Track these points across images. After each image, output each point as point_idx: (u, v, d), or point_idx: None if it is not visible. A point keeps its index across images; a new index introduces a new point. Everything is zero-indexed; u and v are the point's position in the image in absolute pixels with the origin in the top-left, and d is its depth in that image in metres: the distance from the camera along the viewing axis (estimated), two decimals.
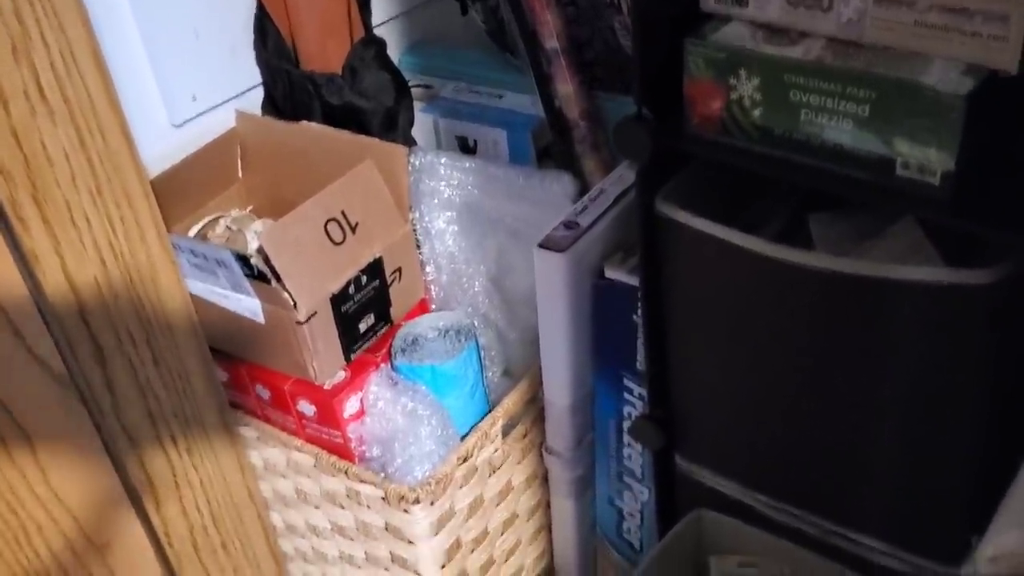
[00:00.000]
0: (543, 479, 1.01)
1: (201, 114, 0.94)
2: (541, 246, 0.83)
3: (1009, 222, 0.59)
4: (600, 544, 1.04)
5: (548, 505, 1.04)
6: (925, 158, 0.61)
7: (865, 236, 0.74)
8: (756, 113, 0.67)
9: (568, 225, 0.85)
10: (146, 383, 0.65)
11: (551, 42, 0.96)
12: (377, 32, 1.04)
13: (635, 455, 0.93)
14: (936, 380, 0.67)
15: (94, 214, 0.58)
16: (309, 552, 1.01)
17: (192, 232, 0.95)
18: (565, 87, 0.98)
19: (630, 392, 0.90)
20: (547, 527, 1.06)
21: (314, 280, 0.82)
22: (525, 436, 0.96)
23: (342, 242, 0.84)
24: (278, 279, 0.79)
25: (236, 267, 0.79)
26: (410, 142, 1.01)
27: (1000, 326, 0.63)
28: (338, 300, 0.84)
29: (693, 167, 0.77)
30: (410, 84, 1.07)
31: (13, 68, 0.51)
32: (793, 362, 0.73)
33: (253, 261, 0.77)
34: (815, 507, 0.79)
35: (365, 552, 0.93)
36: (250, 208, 1.01)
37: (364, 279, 0.86)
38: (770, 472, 0.81)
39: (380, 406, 0.85)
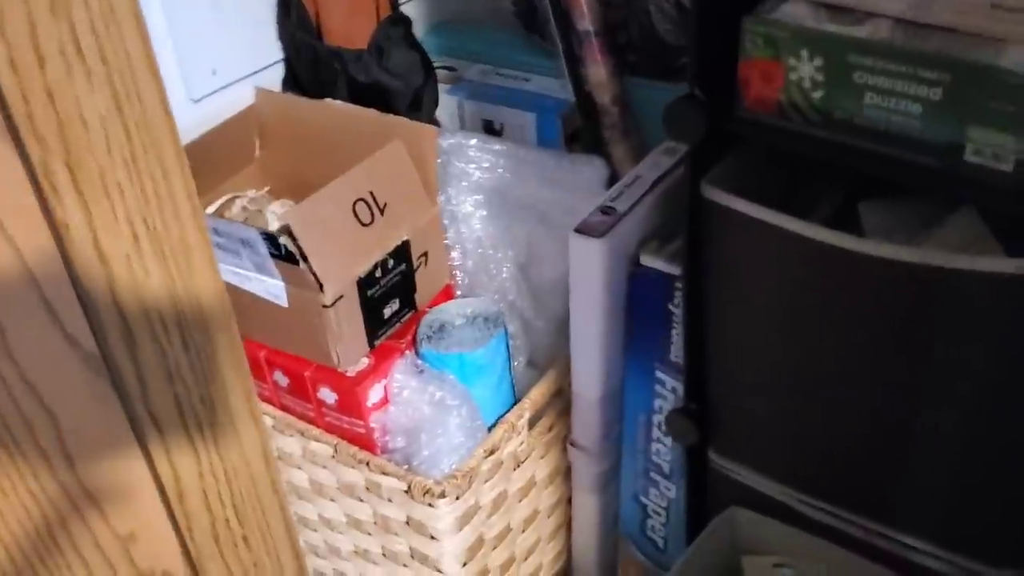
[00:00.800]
0: (565, 474, 0.98)
1: (220, 89, 0.91)
2: (577, 231, 0.80)
3: None
4: (622, 542, 1.01)
5: (568, 502, 1.01)
6: (999, 144, 0.58)
7: (918, 225, 0.72)
8: (816, 95, 0.64)
9: (605, 211, 0.82)
10: (175, 368, 0.61)
11: (583, 23, 0.93)
12: (401, 11, 1.00)
13: (664, 450, 0.91)
14: (994, 375, 0.64)
15: (128, 185, 0.55)
16: (321, 547, 0.98)
17: (208, 212, 0.91)
18: (597, 71, 0.95)
19: (662, 385, 0.87)
20: (566, 525, 1.03)
21: (341, 262, 0.79)
22: (551, 429, 0.93)
23: (370, 223, 0.81)
24: (305, 260, 0.76)
25: (262, 246, 0.76)
26: (435, 124, 0.98)
27: None
28: (364, 284, 0.81)
29: (737, 153, 0.75)
30: (435, 65, 1.04)
31: (51, 24, 0.48)
32: (842, 354, 0.70)
33: (281, 240, 0.74)
34: (857, 506, 0.76)
35: (383, 547, 0.90)
36: (267, 189, 0.97)
37: (391, 263, 0.83)
38: (810, 469, 0.78)
39: (405, 395, 0.82)
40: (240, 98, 0.93)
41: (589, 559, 1.03)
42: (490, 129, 1.02)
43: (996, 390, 0.64)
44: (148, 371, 0.60)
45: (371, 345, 0.84)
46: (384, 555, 0.91)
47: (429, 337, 0.85)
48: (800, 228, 0.67)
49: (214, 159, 0.92)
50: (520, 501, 0.92)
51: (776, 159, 0.74)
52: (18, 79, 0.48)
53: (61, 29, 0.48)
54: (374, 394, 0.83)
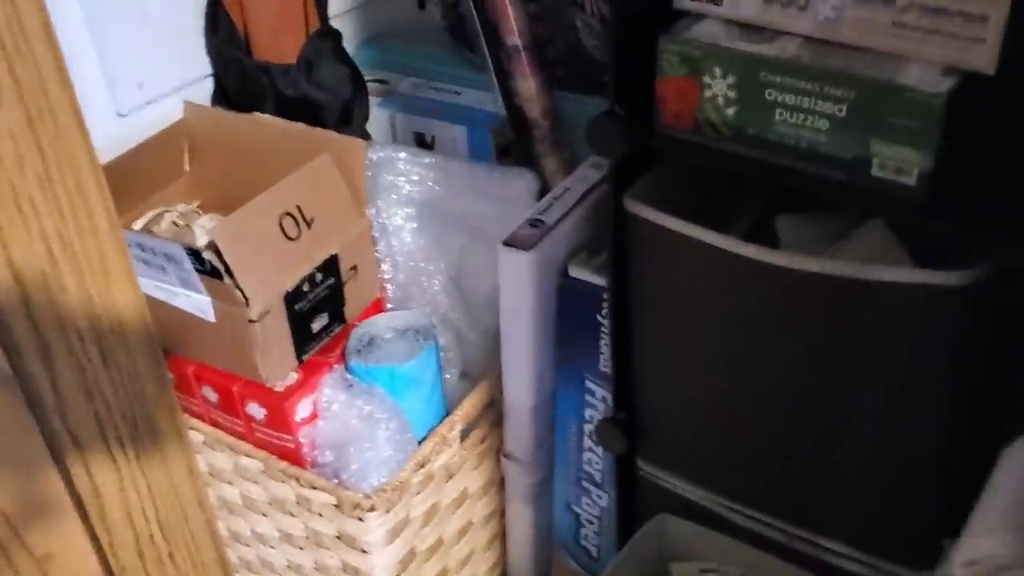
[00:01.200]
0: (499, 485, 0.99)
1: (148, 103, 0.90)
2: (506, 244, 0.81)
3: (984, 224, 0.60)
4: (556, 551, 1.02)
5: (503, 513, 1.01)
6: (902, 158, 0.61)
7: (832, 238, 0.74)
8: (730, 112, 0.66)
9: (533, 223, 0.83)
10: (94, 383, 0.61)
11: (512, 39, 0.94)
12: (331, 25, 1.01)
13: (595, 459, 0.92)
14: (906, 382, 0.66)
15: (42, 201, 0.54)
16: (255, 561, 0.97)
17: (136, 227, 0.91)
18: (526, 85, 0.96)
19: (592, 395, 0.88)
20: (501, 536, 1.04)
21: (267, 277, 0.79)
22: (483, 441, 0.94)
23: (297, 237, 0.81)
24: (230, 275, 0.75)
25: (187, 262, 0.75)
26: (365, 137, 0.99)
27: (972, 329, 0.63)
28: (292, 298, 0.81)
29: (661, 167, 0.76)
30: (367, 78, 1.04)
31: None
32: (761, 364, 0.72)
33: (205, 256, 0.74)
34: (781, 511, 0.78)
35: (315, 561, 0.90)
36: (197, 203, 0.97)
37: (319, 276, 0.83)
38: (735, 476, 0.80)
39: (334, 409, 0.82)
40: (169, 112, 0.92)
41: (524, 569, 1.04)
42: (422, 142, 1.03)
43: (904, 396, 0.66)
44: (66, 387, 0.60)
45: (300, 359, 0.84)
46: (316, 569, 0.91)
47: (359, 351, 0.85)
48: (718, 241, 0.69)
49: (142, 173, 0.91)
50: (453, 513, 0.93)
51: (698, 174, 0.76)
52: None
53: None
54: (303, 409, 0.83)
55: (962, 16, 0.58)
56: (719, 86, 0.66)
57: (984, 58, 0.58)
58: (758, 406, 0.74)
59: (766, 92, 0.64)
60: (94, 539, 0.65)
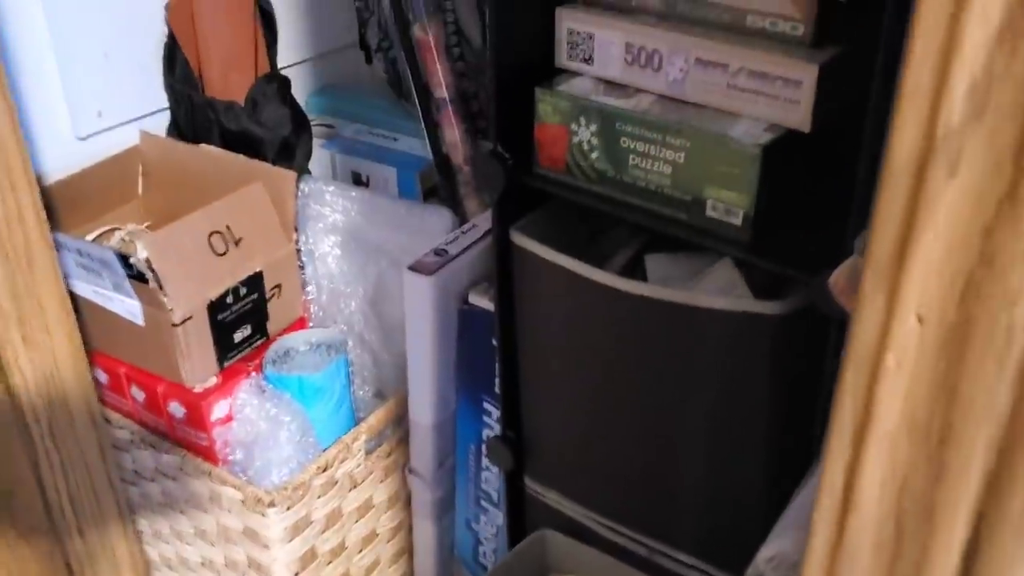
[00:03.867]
0: (406, 502, 1.06)
1: (106, 130, 1.00)
2: (410, 268, 0.89)
3: (796, 260, 0.68)
4: (457, 568, 1.08)
5: (410, 529, 1.08)
6: (730, 201, 0.69)
7: (691, 276, 0.83)
8: (593, 156, 0.75)
9: (438, 252, 0.92)
10: (13, 361, 0.69)
11: (440, 92, 1.04)
12: (288, 73, 1.11)
13: (492, 478, 0.99)
14: (733, 403, 0.74)
15: None
16: (173, 558, 1.04)
17: (88, 239, 0.99)
18: (452, 134, 1.06)
19: (489, 415, 0.96)
20: (409, 551, 1.10)
21: (192, 286, 0.87)
22: (390, 455, 1.01)
23: (224, 253, 0.90)
24: (157, 281, 0.84)
25: (118, 266, 0.84)
26: (306, 172, 1.08)
27: (787, 355, 0.71)
28: (215, 308, 0.89)
29: (551, 204, 0.85)
30: (314, 123, 1.15)
31: None
32: (619, 385, 0.80)
33: (132, 260, 0.82)
34: (642, 526, 0.85)
35: (225, 557, 0.97)
36: (147, 224, 1.06)
37: (243, 291, 0.92)
38: (603, 492, 0.87)
39: (246, 412, 0.90)
40: (125, 140, 1.02)
41: None
42: (358, 180, 1.13)
43: (731, 416, 0.74)
44: None
45: (221, 366, 0.92)
46: (226, 565, 0.97)
47: (274, 361, 0.93)
48: (587, 272, 0.77)
49: (97, 192, 1.01)
50: (356, 521, 1.00)
51: (583, 213, 0.85)
52: None
53: None
54: (219, 410, 0.91)
55: (782, 80, 0.67)
56: (584, 133, 0.75)
57: (799, 116, 0.67)
58: (618, 426, 0.82)
59: (621, 140, 0.73)
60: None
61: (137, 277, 0.84)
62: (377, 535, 1.04)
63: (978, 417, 0.23)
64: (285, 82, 1.05)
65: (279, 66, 1.09)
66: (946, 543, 0.25)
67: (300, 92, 1.15)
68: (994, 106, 0.20)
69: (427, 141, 1.06)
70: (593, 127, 0.74)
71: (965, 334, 0.22)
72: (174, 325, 0.86)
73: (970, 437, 0.23)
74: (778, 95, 0.68)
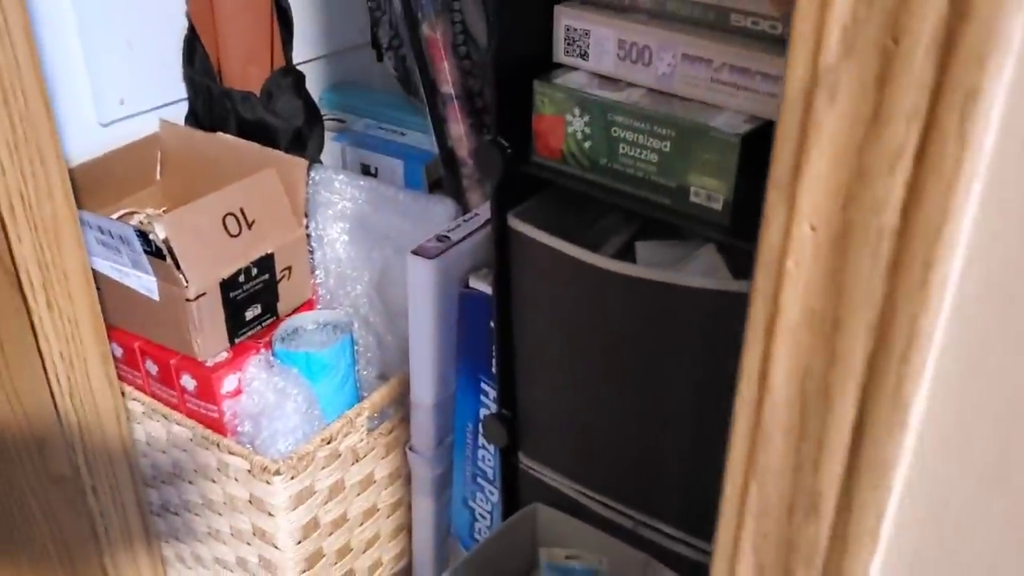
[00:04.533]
0: (406, 479, 1.10)
1: (127, 117, 1.05)
2: (414, 253, 0.94)
3: None
4: (454, 545, 1.12)
5: (410, 506, 1.13)
6: (711, 188, 0.74)
7: (677, 260, 0.87)
8: (587, 145, 0.80)
9: (440, 238, 0.96)
10: (39, 324, 0.74)
11: (447, 88, 1.09)
12: (303, 69, 1.17)
13: (488, 456, 1.03)
14: (714, 376, 0.79)
15: (9, 166, 0.68)
16: (181, 529, 1.09)
17: None
18: (457, 128, 1.11)
19: (486, 395, 1.00)
20: (408, 528, 1.15)
21: (207, 264, 0.92)
22: (391, 433, 1.06)
23: (238, 235, 0.95)
24: (172, 256, 0.89)
25: (136, 243, 0.89)
26: (316, 162, 1.13)
27: None
28: (227, 286, 0.94)
29: (546, 193, 0.90)
30: (326, 117, 1.20)
31: None
32: (611, 363, 0.84)
33: (151, 237, 0.88)
34: (628, 499, 0.89)
35: (231, 526, 1.01)
36: (164, 209, 1.11)
37: (255, 271, 0.97)
38: (593, 468, 0.92)
39: (255, 385, 0.95)
40: (145, 127, 1.07)
41: (427, 561, 1.14)
42: (367, 171, 1.18)
43: (710, 391, 0.79)
44: (6, 323, 0.73)
45: (232, 342, 0.97)
46: (232, 534, 1.02)
47: (283, 338, 0.98)
48: (581, 255, 0.82)
49: (118, 176, 1.06)
50: (359, 495, 1.04)
51: (580, 201, 0.90)
52: None
53: None
54: (228, 383, 0.95)
55: (760, 75, 0.72)
56: (577, 124, 0.80)
57: (777, 109, 0.72)
58: (608, 403, 0.86)
59: (612, 130, 0.78)
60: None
61: (155, 253, 0.89)
62: (378, 510, 1.08)
63: (859, 306, 0.27)
64: (299, 76, 1.10)
65: (294, 62, 1.14)
66: (840, 421, 0.29)
67: (314, 88, 1.20)
68: (860, 45, 0.24)
69: (433, 135, 1.11)
70: (587, 118, 0.79)
71: (847, 238, 0.27)
72: (188, 300, 0.91)
73: (854, 324, 0.27)
74: (758, 89, 0.73)
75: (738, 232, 0.74)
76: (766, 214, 0.29)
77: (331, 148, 1.18)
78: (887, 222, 0.25)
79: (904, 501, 0.30)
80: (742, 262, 0.81)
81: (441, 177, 1.14)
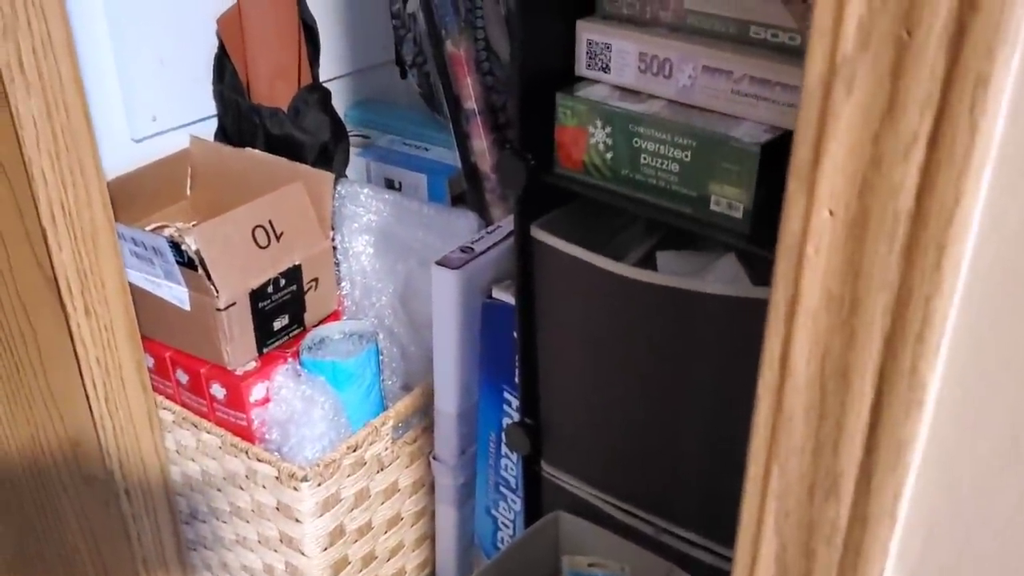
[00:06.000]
0: (429, 488, 1.12)
1: (159, 133, 1.08)
2: (438, 263, 0.96)
3: None
4: (476, 554, 1.14)
5: (433, 516, 1.14)
6: (731, 196, 0.76)
7: (699, 269, 0.89)
8: (609, 156, 0.82)
9: (464, 250, 0.98)
10: (76, 330, 0.76)
11: (470, 104, 1.11)
12: (329, 86, 1.19)
13: (511, 465, 1.05)
14: (735, 383, 0.80)
15: (51, 176, 0.71)
16: (209, 537, 1.10)
17: None
18: (480, 143, 1.13)
19: (509, 405, 1.02)
20: (431, 538, 1.16)
21: (237, 274, 0.94)
22: (415, 442, 1.07)
23: (267, 247, 0.97)
24: (203, 266, 0.91)
25: (169, 253, 0.91)
26: (342, 177, 1.16)
27: None
28: (257, 296, 0.96)
29: (568, 207, 0.92)
30: (351, 133, 1.22)
31: (2, 44, 0.65)
32: (633, 370, 0.86)
33: (183, 247, 0.90)
34: (650, 506, 0.90)
35: (258, 533, 1.03)
36: (193, 223, 1.13)
37: (283, 282, 0.99)
38: (615, 474, 0.93)
39: (283, 394, 0.97)
40: (176, 143, 1.10)
41: (450, 569, 1.15)
42: (391, 186, 1.20)
43: (733, 398, 0.80)
44: (45, 328, 0.75)
45: (260, 351, 0.99)
46: (259, 541, 1.04)
47: (310, 348, 1.00)
48: (603, 263, 0.84)
49: (149, 191, 1.09)
50: (383, 503, 1.06)
51: (601, 211, 0.91)
52: None
53: (9, 49, 0.65)
54: (257, 392, 0.97)
55: (780, 86, 0.74)
56: (600, 135, 0.81)
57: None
58: (630, 410, 0.87)
59: (633, 140, 0.79)
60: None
61: (187, 264, 0.92)
62: (402, 518, 1.10)
63: (876, 289, 0.28)
64: (326, 92, 1.13)
65: (321, 79, 1.17)
66: (858, 401, 0.30)
67: (339, 105, 1.22)
68: (875, 37, 0.26)
69: (456, 150, 1.13)
70: (608, 129, 0.81)
71: (864, 223, 0.28)
72: (219, 310, 0.93)
73: (871, 305, 0.29)
74: (777, 99, 0.74)
75: (758, 240, 0.75)
76: (787, 202, 0.30)
77: (356, 164, 1.21)
78: (902, 207, 0.27)
79: (919, 479, 0.32)
80: (762, 271, 0.82)
81: (464, 191, 1.16)
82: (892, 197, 0.27)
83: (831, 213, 0.29)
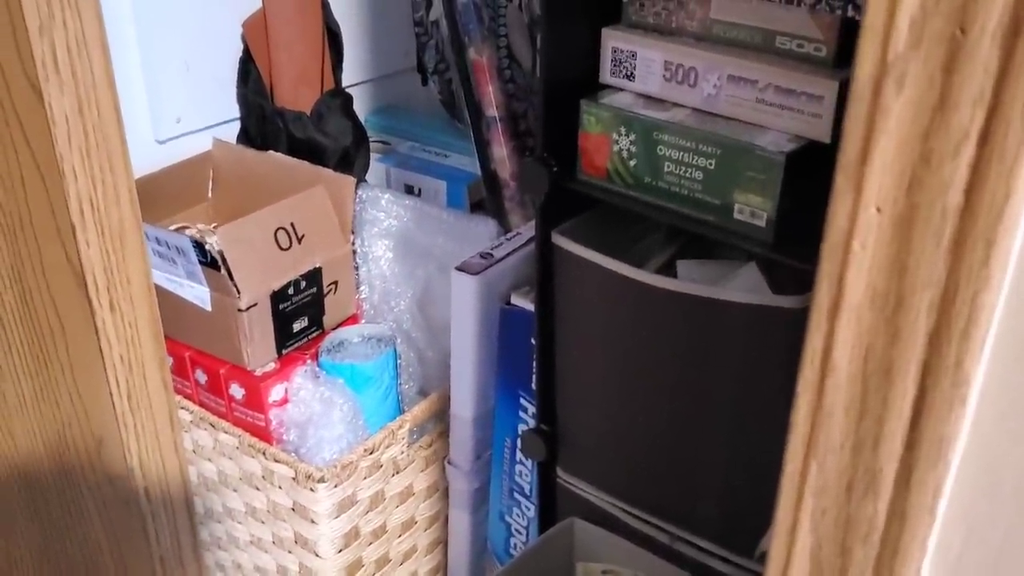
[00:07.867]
0: (443, 492, 1.12)
1: (183, 135, 1.09)
2: (458, 269, 0.97)
3: (813, 258, 0.74)
4: (489, 560, 1.14)
5: (447, 520, 1.14)
6: (755, 205, 0.76)
7: (719, 278, 0.89)
8: (632, 163, 0.82)
9: (483, 256, 0.99)
10: (101, 325, 0.77)
11: (491, 111, 1.12)
12: (350, 92, 1.20)
13: (525, 472, 1.05)
14: (755, 392, 0.80)
15: (81, 172, 0.71)
16: (224, 537, 1.11)
17: None
18: (500, 151, 1.13)
19: (525, 411, 1.02)
20: (444, 542, 1.16)
21: (258, 275, 0.95)
22: (431, 446, 1.07)
23: (288, 248, 0.98)
24: (226, 266, 0.92)
25: (192, 253, 0.92)
26: (363, 182, 1.16)
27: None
28: (277, 297, 0.97)
29: (590, 215, 0.92)
30: (372, 139, 1.23)
31: (38, 40, 0.65)
32: (651, 378, 0.86)
33: (207, 247, 0.90)
34: (665, 513, 0.90)
35: (273, 534, 1.03)
36: (214, 225, 1.14)
37: (303, 284, 0.99)
38: (631, 482, 0.93)
39: (301, 395, 0.97)
40: (200, 145, 1.11)
41: (462, 574, 1.15)
42: (410, 192, 1.21)
43: (754, 407, 0.80)
44: (73, 324, 0.76)
45: (280, 353, 1.00)
46: (274, 542, 1.04)
47: (329, 350, 1.01)
48: (624, 270, 0.84)
49: (172, 192, 1.09)
50: (398, 506, 1.06)
51: (622, 219, 0.92)
52: (4, 80, 0.66)
53: (44, 46, 0.66)
54: (275, 392, 0.98)
55: (805, 95, 0.74)
56: (623, 142, 0.82)
57: (821, 128, 0.74)
58: (647, 417, 0.88)
59: (657, 148, 0.80)
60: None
61: (210, 264, 0.92)
62: (416, 522, 1.10)
63: (922, 285, 0.29)
64: (348, 98, 1.14)
65: (343, 84, 1.18)
66: (900, 398, 0.31)
67: (360, 111, 1.23)
68: (927, 36, 0.26)
69: (477, 157, 1.14)
70: (632, 136, 0.81)
71: (911, 219, 0.29)
72: (240, 311, 0.94)
73: (916, 302, 0.29)
74: (802, 109, 0.75)
75: (782, 248, 0.75)
76: (833, 199, 0.31)
77: (376, 169, 1.22)
78: (951, 203, 0.27)
79: (959, 477, 0.32)
80: (784, 280, 0.82)
81: (483, 198, 1.17)
82: (941, 193, 0.27)
83: (878, 210, 0.29)
